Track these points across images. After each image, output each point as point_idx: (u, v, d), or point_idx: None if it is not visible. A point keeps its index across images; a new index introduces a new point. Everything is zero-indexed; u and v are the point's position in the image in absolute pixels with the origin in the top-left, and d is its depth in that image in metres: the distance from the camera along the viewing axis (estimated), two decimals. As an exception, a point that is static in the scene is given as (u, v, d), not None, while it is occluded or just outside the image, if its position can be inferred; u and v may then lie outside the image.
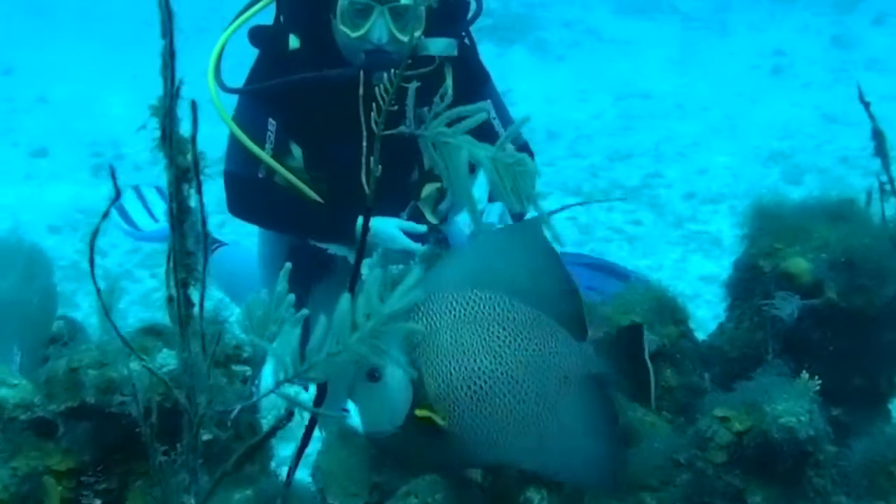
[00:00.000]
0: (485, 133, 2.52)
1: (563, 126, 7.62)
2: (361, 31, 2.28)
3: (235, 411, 1.02)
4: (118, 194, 0.89)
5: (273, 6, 2.47)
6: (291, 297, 1.22)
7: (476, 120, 1.16)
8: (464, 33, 2.48)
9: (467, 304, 1.35)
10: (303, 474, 1.98)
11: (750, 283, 2.22)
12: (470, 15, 2.49)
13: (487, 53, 2.69)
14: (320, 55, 2.35)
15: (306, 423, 1.43)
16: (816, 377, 1.85)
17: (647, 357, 1.41)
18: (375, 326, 1.02)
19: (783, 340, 2.12)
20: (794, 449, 1.77)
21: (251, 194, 2.45)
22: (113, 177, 0.87)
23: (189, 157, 1.00)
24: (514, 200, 1.14)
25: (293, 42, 2.40)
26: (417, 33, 2.28)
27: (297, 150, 2.46)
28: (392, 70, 1.07)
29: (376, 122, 1.13)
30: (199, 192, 0.92)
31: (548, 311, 1.38)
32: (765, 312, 2.13)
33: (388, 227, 2.32)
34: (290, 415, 1.09)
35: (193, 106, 0.89)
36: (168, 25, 0.99)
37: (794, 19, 10.56)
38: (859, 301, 2.08)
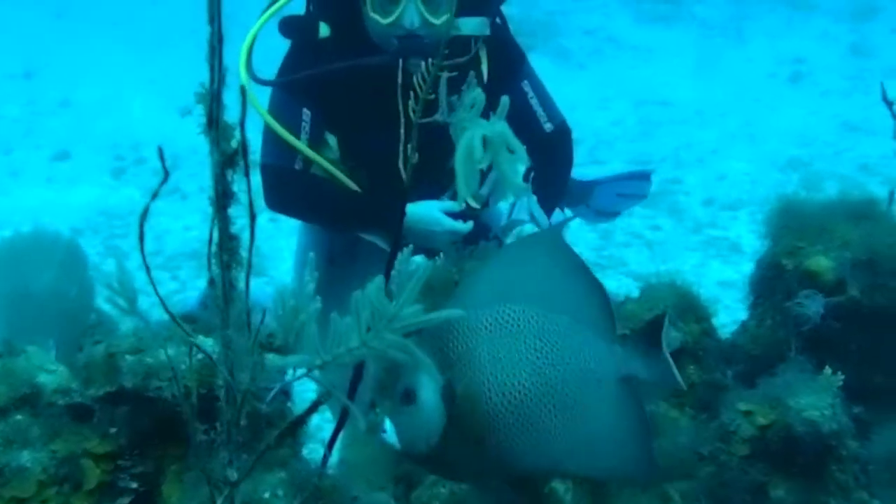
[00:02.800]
0: (523, 113, 2.53)
1: (583, 132, 7.63)
2: (392, 17, 2.25)
3: (276, 389, 1.05)
4: (167, 175, 0.91)
5: None
6: (312, 287, 1.22)
7: (503, 109, 1.18)
8: (495, 13, 2.46)
9: (500, 319, 1.37)
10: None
11: (772, 282, 2.24)
12: None
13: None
14: (351, 42, 2.34)
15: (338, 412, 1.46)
16: (839, 373, 1.87)
17: (665, 352, 1.42)
18: (390, 325, 1.04)
19: (806, 338, 2.13)
20: (817, 443, 1.79)
21: (289, 186, 2.42)
22: (161, 158, 0.90)
23: (233, 143, 1.03)
24: (502, 175, 1.15)
25: (323, 30, 2.38)
26: (449, 15, 2.24)
27: (332, 140, 2.44)
28: (429, 60, 1.10)
29: (413, 111, 1.15)
30: (248, 174, 0.95)
31: (577, 317, 1.39)
32: (789, 311, 2.15)
33: (430, 211, 2.31)
34: (328, 393, 1.12)
35: (243, 91, 0.92)
36: (216, 10, 1.01)
37: (812, 27, 10.54)
38: (882, 299, 2.09)
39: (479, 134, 1.10)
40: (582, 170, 7.32)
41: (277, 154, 2.40)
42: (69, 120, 8.64)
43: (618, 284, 5.40)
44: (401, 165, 1.16)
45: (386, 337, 1.01)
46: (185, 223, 6.26)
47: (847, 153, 7.35)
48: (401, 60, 2.23)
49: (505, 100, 1.19)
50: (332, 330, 1.07)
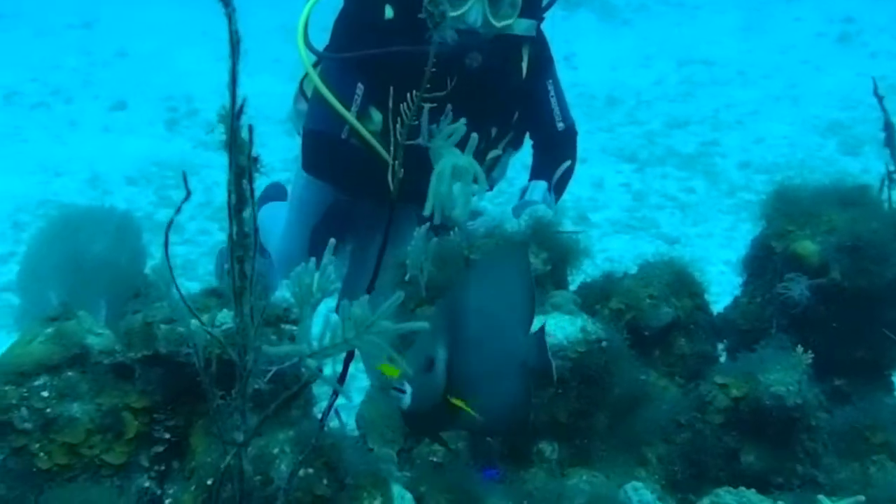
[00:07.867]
0: (543, 108, 2.71)
1: (624, 92, 7.71)
2: (459, 12, 2.42)
3: (270, 373, 1.26)
4: (188, 194, 1.11)
5: None
6: (331, 269, 1.43)
7: (456, 136, 1.39)
8: (541, 17, 2.66)
9: (479, 307, 1.67)
10: (348, 419, 2.23)
11: (763, 262, 2.39)
12: (545, 2, 2.65)
13: (554, 17, 2.82)
14: (412, 28, 2.49)
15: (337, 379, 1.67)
16: (810, 351, 2.03)
17: (547, 351, 1.73)
18: (368, 331, 1.25)
19: (790, 316, 2.28)
20: (783, 414, 1.96)
21: (330, 153, 2.59)
22: (185, 180, 1.10)
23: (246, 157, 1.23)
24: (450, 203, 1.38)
25: (388, 12, 2.52)
26: (510, 21, 2.51)
27: (376, 115, 2.58)
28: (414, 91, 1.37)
29: (400, 134, 1.34)
30: (252, 192, 1.15)
31: (517, 312, 1.71)
32: (776, 291, 2.30)
33: None
34: (315, 375, 1.33)
35: (250, 129, 1.10)
36: (234, 48, 1.20)
37: (865, -15, 10.41)
38: (862, 282, 2.23)
39: (450, 163, 1.31)
40: (622, 128, 7.34)
41: (325, 121, 2.56)
42: (125, 70, 8.84)
43: (649, 246, 5.54)
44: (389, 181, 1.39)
45: (365, 339, 1.22)
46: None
47: (892, 116, 7.32)
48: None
49: (474, 137, 1.45)
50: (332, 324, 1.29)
